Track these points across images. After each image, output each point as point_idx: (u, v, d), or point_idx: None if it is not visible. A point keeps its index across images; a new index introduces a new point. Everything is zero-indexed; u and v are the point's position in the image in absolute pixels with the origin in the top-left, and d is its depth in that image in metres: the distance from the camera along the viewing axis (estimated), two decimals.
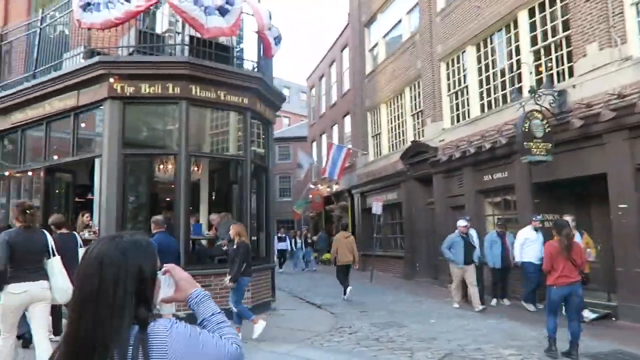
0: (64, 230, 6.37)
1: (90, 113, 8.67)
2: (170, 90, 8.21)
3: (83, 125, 8.79)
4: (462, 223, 10.03)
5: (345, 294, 11.04)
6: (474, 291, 9.60)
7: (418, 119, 16.03)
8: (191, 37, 8.64)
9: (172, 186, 9.80)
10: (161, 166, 9.59)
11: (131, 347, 1.21)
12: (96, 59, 8.11)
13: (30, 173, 9.62)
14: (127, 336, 1.22)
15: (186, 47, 8.60)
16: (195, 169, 9.86)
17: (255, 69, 9.59)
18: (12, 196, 10.14)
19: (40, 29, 9.54)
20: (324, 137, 26.21)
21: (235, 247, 7.03)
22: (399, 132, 17.34)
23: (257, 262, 9.21)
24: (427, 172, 14.40)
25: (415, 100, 16.21)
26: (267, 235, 9.75)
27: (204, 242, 9.95)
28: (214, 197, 10.98)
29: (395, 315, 9.13)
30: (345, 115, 22.71)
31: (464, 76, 13.18)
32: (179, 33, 8.55)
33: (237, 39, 9.57)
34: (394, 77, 17.29)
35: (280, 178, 37.29)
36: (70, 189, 9.98)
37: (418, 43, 15.48)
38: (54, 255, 4.61)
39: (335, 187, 23.72)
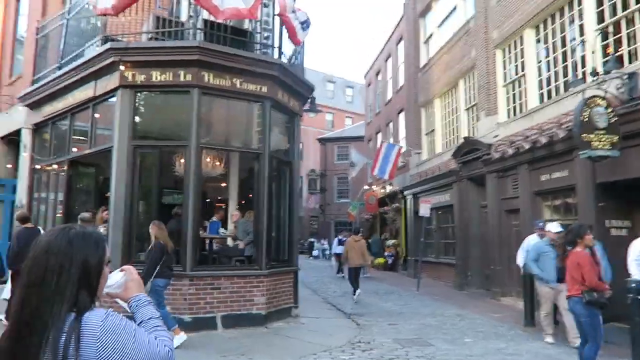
0: (28, 225, 6.37)
1: (107, 103, 8.39)
2: (182, 78, 7.73)
3: (97, 115, 8.55)
4: (554, 228, 7.49)
5: (354, 294, 11.23)
6: (569, 320, 6.58)
7: (472, 113, 14.64)
8: (205, 21, 8.13)
9: None
10: (182, 160, 9.14)
11: (64, 333, 1.26)
12: (107, 46, 7.81)
13: (55, 166, 9.58)
14: (63, 319, 1.27)
15: (200, 32, 8.08)
16: (218, 163, 9.35)
17: (283, 57, 8.91)
18: (42, 190, 10.22)
19: (67, 19, 9.49)
20: (380, 135, 25.16)
21: (149, 248, 6.48)
22: (453, 129, 15.99)
23: (275, 264, 8.55)
24: (480, 171, 13.02)
25: (469, 93, 14.83)
26: (289, 235, 9.03)
27: (229, 241, 9.45)
28: (249, 195, 10.42)
29: (426, 330, 8.06)
30: (399, 112, 21.55)
31: (521, 64, 11.71)
32: (191, 17, 8.05)
33: (261, 25, 8.94)
34: (448, 68, 15.98)
35: (338, 179, 36.65)
36: (93, 183, 9.83)
37: (472, 30, 14.11)
38: None
39: (389, 188, 22.61)
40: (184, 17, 8.99)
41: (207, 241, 8.85)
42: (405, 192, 19.41)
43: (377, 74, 26.14)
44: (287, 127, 9.32)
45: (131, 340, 1.32)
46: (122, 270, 1.56)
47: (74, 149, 9.06)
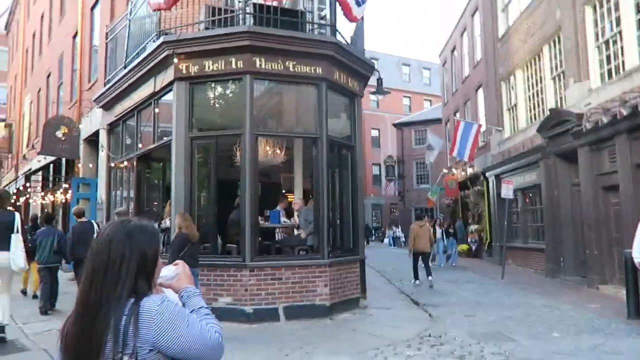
0: (83, 219, 7.26)
1: (166, 98, 8.46)
2: (234, 65, 7.54)
3: (157, 110, 8.64)
4: None
5: (416, 281, 11.65)
6: None
7: (559, 82, 13.15)
8: (255, 5, 7.86)
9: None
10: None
11: (125, 316, 1.39)
12: (160, 40, 7.82)
13: (126, 163, 9.91)
14: (124, 304, 1.41)
15: (250, 17, 7.83)
16: (278, 151, 9.12)
17: (339, 35, 8.43)
18: (118, 187, 10.64)
19: (129, 20, 9.72)
20: (458, 115, 23.76)
21: (172, 238, 6.29)
22: (538, 101, 14.53)
23: (338, 253, 8.17)
24: (570, 145, 11.65)
25: (555, 59, 13.33)
26: (354, 222, 8.58)
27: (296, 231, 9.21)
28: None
29: (508, 323, 7.25)
30: (478, 89, 20.12)
31: (616, 19, 10.22)
32: (239, 1, 7.81)
33: (312, 4, 8.52)
34: (530, 35, 14.50)
35: (417, 164, 35.44)
36: (161, 178, 10.05)
37: None
38: (17, 232, 5.55)
39: (470, 171, 21.30)
40: (237, 5, 8.83)
41: (275, 231, 8.68)
42: (487, 174, 18.10)
43: (453, 50, 24.68)
44: (347, 109, 8.85)
45: (185, 324, 1.44)
46: (176, 264, 1.67)
47: (140, 145, 9.28)
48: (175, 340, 1.40)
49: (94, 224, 7.78)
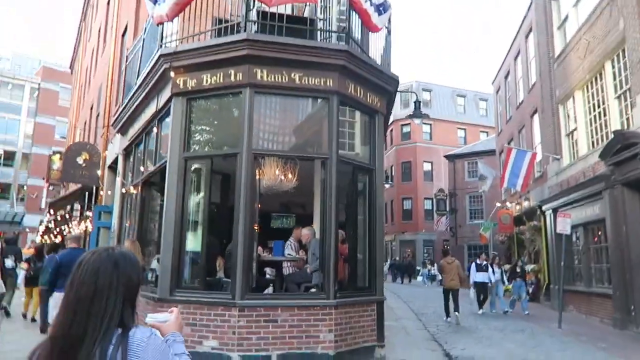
0: (73, 245, 6.00)
1: (167, 116, 7.83)
2: (232, 78, 6.78)
3: (155, 130, 8.01)
4: None
5: (452, 317, 11.55)
6: None
7: (625, 100, 11.48)
8: (258, 13, 7.14)
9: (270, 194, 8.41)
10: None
11: (112, 346, 1.37)
12: (157, 53, 7.25)
13: (133, 189, 9.35)
14: (111, 335, 1.38)
15: (252, 25, 7.11)
16: (290, 175, 8.19)
17: (352, 43, 7.52)
18: (128, 213, 10.09)
19: (143, 39, 9.34)
20: (512, 144, 21.97)
21: None
22: (601, 124, 12.81)
23: (349, 293, 7.01)
24: (639, 172, 9.93)
25: (619, 75, 11.71)
26: (370, 257, 7.39)
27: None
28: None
29: None
30: (533, 114, 18.44)
31: None
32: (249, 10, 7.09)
33: (323, 11, 7.71)
34: (590, 51, 12.95)
35: (469, 198, 33.37)
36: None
37: None
38: None
39: (525, 205, 19.38)
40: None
41: (284, 265, 7.67)
42: (544, 207, 16.23)
43: (507, 76, 23.12)
44: (365, 127, 7.83)
45: None
46: (171, 311, 1.70)
47: (142, 170, 8.69)
48: None
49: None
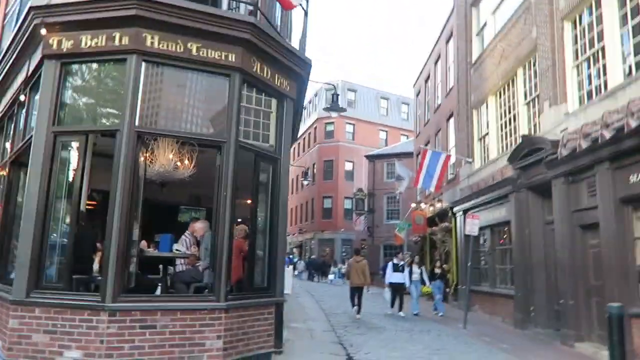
0: None
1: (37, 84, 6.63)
2: (117, 42, 5.81)
3: (22, 98, 6.79)
4: None
5: (358, 313, 12.30)
6: None
7: (533, 107, 11.78)
8: None
9: (159, 184, 7.47)
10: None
11: None
12: (28, 6, 6.08)
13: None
14: None
15: None
16: (187, 161, 7.30)
17: (261, 18, 6.79)
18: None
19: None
20: (429, 147, 22.37)
21: None
22: (511, 129, 13.12)
23: (243, 294, 6.31)
24: (543, 177, 10.14)
25: (530, 82, 12.00)
26: (270, 254, 6.72)
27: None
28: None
29: None
30: (449, 118, 18.81)
31: (598, 34, 8.89)
32: None
33: None
34: (504, 58, 13.22)
35: (387, 198, 33.88)
36: None
37: (533, 5, 11.42)
38: None
39: (438, 206, 19.73)
40: None
41: (178, 262, 6.77)
42: (455, 209, 16.52)
43: (427, 79, 23.54)
44: (271, 112, 7.14)
45: None
46: None
47: (8, 146, 7.40)
48: None
49: None
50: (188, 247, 6.91)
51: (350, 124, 45.46)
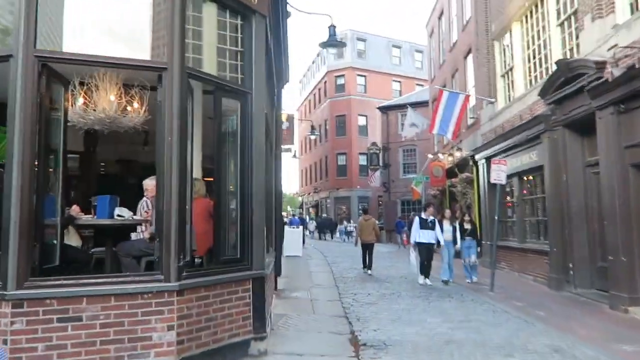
0: None
1: None
2: None
3: None
4: None
5: (369, 269, 12.56)
6: None
7: (569, 27, 9.84)
8: None
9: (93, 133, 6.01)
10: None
11: None
12: None
13: None
14: None
15: None
16: (136, 104, 5.74)
17: None
18: None
19: None
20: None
21: None
22: (540, 59, 11.22)
23: (207, 269, 4.92)
24: (585, 108, 8.38)
25: None
26: (242, 218, 5.25)
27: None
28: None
29: None
30: (467, 55, 16.79)
31: None
32: None
33: None
34: None
35: (404, 152, 32.11)
36: None
37: None
38: None
39: (457, 155, 18.02)
40: None
41: (134, 232, 5.38)
42: (477, 157, 14.82)
43: (440, 16, 21.30)
44: (236, 34, 5.50)
45: None
46: None
47: None
48: None
49: None
50: (146, 212, 5.48)
51: (361, 75, 43.22)
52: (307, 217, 42.08)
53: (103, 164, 10.28)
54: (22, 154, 4.02)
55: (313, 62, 51.26)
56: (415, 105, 29.55)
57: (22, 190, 4.00)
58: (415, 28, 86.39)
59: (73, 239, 5.86)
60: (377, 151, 32.42)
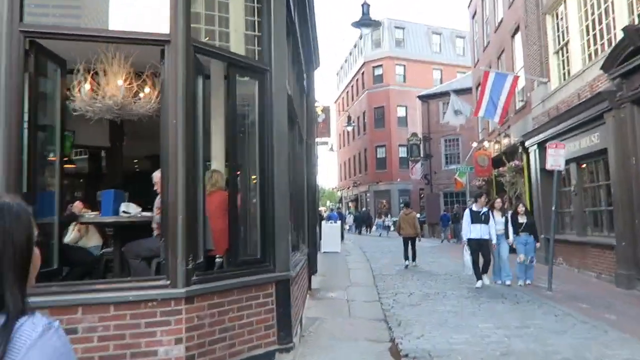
0: None
1: None
2: None
3: None
4: None
5: (413, 260, 12.65)
6: None
7: None
8: None
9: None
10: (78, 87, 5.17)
11: None
12: None
13: None
14: None
15: None
16: (148, 89, 5.22)
17: None
18: None
19: None
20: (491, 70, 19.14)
21: None
22: (600, 30, 10.03)
23: (222, 272, 4.32)
24: None
25: None
26: (263, 213, 4.61)
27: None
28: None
29: None
30: (514, 34, 15.54)
31: None
32: None
33: None
34: None
35: (446, 142, 30.82)
36: None
37: None
38: None
39: (505, 142, 16.82)
40: None
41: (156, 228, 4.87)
42: (527, 143, 13.64)
43: None
44: (252, 3, 4.85)
45: None
46: None
47: None
48: None
49: None
50: (157, 207, 4.94)
51: (400, 65, 41.94)
52: (347, 212, 41.37)
53: (136, 160, 9.99)
54: (7, 146, 3.52)
55: (350, 54, 50.31)
56: (458, 92, 28.24)
57: (7, 187, 3.50)
58: (457, 13, 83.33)
59: (93, 239, 5.43)
60: (418, 142, 31.26)
